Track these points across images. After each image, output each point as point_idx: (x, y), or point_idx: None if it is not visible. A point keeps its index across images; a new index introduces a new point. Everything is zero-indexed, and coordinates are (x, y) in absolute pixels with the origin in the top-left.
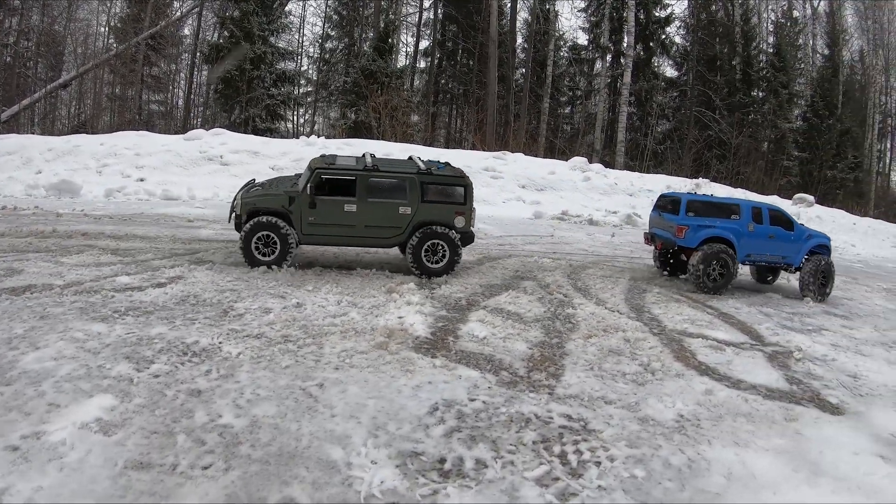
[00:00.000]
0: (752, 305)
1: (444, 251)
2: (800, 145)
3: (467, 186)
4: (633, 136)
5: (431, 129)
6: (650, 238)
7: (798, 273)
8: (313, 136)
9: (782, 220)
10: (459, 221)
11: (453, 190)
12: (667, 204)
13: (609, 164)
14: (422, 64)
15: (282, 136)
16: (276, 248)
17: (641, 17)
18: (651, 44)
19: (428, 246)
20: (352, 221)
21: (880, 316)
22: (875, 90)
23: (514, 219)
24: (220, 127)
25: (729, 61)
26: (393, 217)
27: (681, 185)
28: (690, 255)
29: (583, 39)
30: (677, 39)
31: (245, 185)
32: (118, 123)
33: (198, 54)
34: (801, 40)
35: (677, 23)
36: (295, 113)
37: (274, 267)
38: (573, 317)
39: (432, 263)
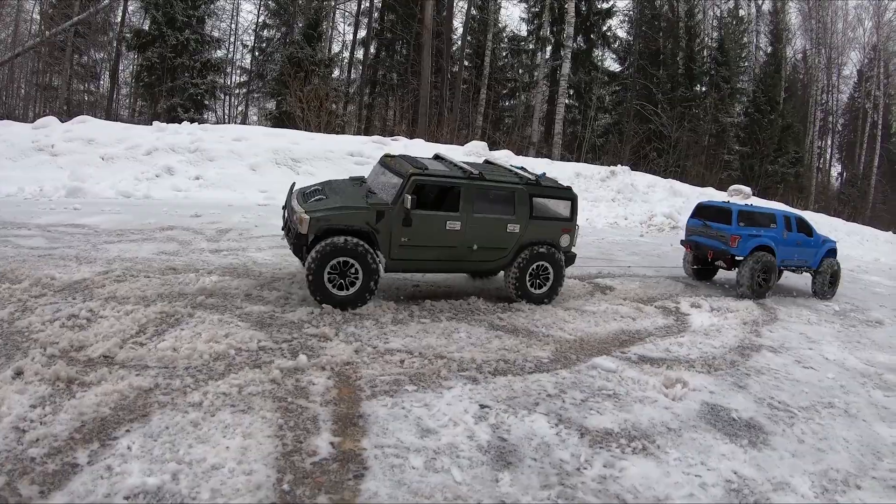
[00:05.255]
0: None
1: (549, 275)
2: (741, 140)
3: (574, 200)
4: (572, 129)
5: (367, 120)
6: (693, 246)
7: (814, 275)
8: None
9: (805, 227)
10: (565, 240)
11: (559, 204)
12: (712, 213)
13: (546, 157)
14: (360, 54)
15: None
16: (356, 279)
17: (583, 7)
18: (592, 35)
19: (533, 269)
20: (453, 242)
21: None
22: (817, 88)
23: None
24: (149, 116)
25: (672, 56)
26: (500, 236)
27: (593, 171)
28: (740, 262)
29: (524, 31)
30: (620, 33)
31: (291, 192)
32: (44, 114)
33: (122, 40)
34: (745, 38)
35: (620, 16)
36: (226, 103)
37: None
38: None
39: (535, 289)
